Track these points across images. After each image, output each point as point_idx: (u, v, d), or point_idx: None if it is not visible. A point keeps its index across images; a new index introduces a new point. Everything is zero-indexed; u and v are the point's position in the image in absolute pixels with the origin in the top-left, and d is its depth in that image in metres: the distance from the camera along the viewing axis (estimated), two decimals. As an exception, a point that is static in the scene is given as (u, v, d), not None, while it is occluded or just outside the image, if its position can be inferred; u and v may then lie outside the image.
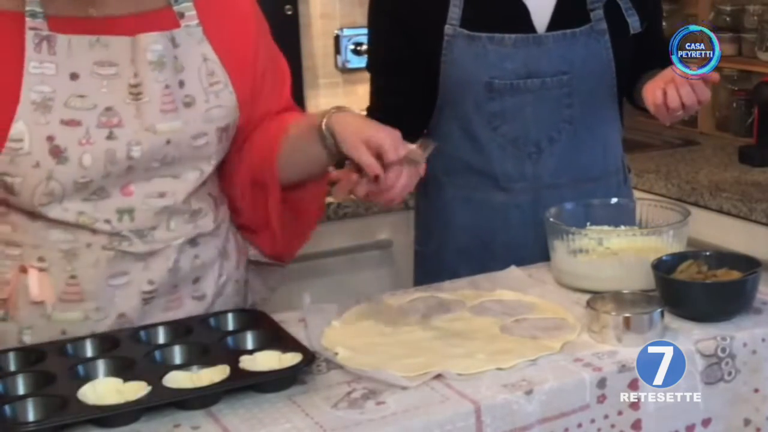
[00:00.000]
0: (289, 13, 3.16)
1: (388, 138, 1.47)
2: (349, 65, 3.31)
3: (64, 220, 1.48)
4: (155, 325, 1.49)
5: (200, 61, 1.55)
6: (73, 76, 1.46)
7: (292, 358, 1.36)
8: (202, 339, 1.44)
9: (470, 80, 1.83)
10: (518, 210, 1.86)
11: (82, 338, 1.46)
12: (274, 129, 1.65)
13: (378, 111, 1.92)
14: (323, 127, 1.54)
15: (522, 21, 1.84)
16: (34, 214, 1.48)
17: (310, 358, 1.36)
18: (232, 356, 1.37)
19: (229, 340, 1.44)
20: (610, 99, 1.93)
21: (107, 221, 1.50)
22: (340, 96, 3.34)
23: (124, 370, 1.34)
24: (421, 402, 1.29)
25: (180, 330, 1.48)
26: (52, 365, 1.37)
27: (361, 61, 3.33)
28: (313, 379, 1.36)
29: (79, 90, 1.46)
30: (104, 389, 1.28)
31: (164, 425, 1.24)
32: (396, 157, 1.45)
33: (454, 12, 1.82)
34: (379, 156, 1.46)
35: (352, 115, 1.57)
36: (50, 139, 1.43)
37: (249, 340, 1.45)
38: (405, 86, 1.91)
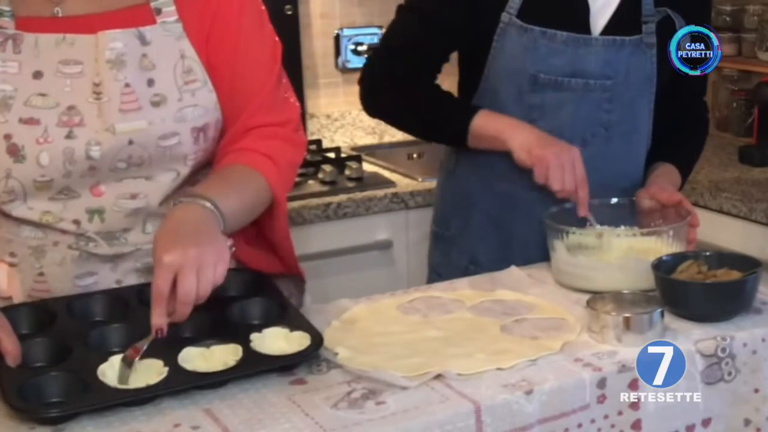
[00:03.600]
0: (289, 13, 3.16)
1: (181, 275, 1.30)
2: (349, 65, 3.32)
3: (28, 219, 1.48)
4: None
5: (177, 58, 1.51)
6: (37, 75, 1.45)
7: (300, 338, 1.39)
8: (209, 304, 1.40)
9: (516, 71, 1.84)
10: (542, 206, 1.84)
11: (90, 295, 1.49)
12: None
13: (392, 48, 1.95)
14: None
15: (580, 20, 1.85)
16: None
17: (318, 340, 1.38)
18: (242, 332, 1.39)
19: (236, 308, 1.47)
20: (647, 113, 1.93)
21: (75, 221, 1.49)
22: (340, 96, 3.35)
23: (136, 342, 1.35)
24: (421, 402, 1.29)
25: None
26: (65, 330, 1.39)
27: (361, 61, 3.33)
28: (313, 379, 1.36)
29: (42, 89, 1.45)
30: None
31: (164, 425, 1.24)
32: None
33: (515, 1, 1.82)
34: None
35: (186, 216, 1.37)
36: (7, 137, 1.44)
37: (255, 311, 1.48)
38: (432, 40, 1.91)
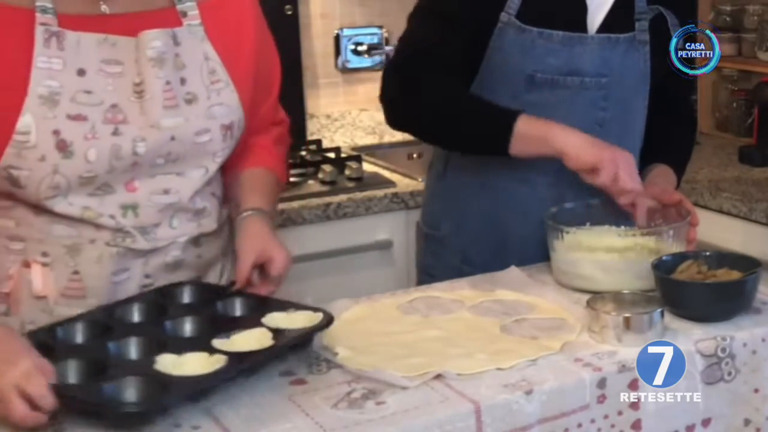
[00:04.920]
0: (289, 13, 3.16)
1: (281, 255, 1.55)
2: (349, 65, 3.32)
3: (69, 215, 1.49)
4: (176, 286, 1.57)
5: (202, 59, 1.57)
6: (80, 72, 1.47)
7: (309, 317, 1.45)
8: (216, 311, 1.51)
9: (512, 70, 1.84)
10: (538, 205, 1.84)
11: (129, 302, 1.50)
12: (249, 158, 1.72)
13: (412, 54, 1.88)
14: (235, 223, 1.63)
15: (577, 19, 1.85)
16: (38, 209, 1.50)
17: (329, 316, 1.45)
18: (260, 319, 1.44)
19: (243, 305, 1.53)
20: (641, 110, 1.93)
21: (111, 216, 1.51)
22: (340, 96, 3.34)
23: (193, 344, 1.38)
24: (421, 402, 1.29)
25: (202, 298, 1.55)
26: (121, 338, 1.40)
27: (361, 61, 3.34)
28: (313, 379, 1.36)
29: (86, 86, 1.48)
30: (190, 366, 1.31)
31: (164, 425, 1.24)
32: (277, 274, 1.55)
33: (514, 1, 1.82)
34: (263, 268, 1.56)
35: (260, 225, 1.60)
36: (56, 133, 1.45)
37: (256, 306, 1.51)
38: (442, 35, 1.86)
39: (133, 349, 1.37)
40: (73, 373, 1.30)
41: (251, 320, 1.44)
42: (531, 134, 1.76)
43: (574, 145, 1.73)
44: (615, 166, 1.72)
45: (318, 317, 1.45)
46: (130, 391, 1.25)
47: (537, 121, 1.78)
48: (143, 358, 1.34)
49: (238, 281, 1.54)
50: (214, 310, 1.49)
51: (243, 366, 1.33)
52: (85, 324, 1.42)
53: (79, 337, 1.41)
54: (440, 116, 1.85)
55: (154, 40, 1.51)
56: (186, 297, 1.54)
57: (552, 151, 1.75)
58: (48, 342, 1.35)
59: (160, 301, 1.50)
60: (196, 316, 1.46)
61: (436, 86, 1.84)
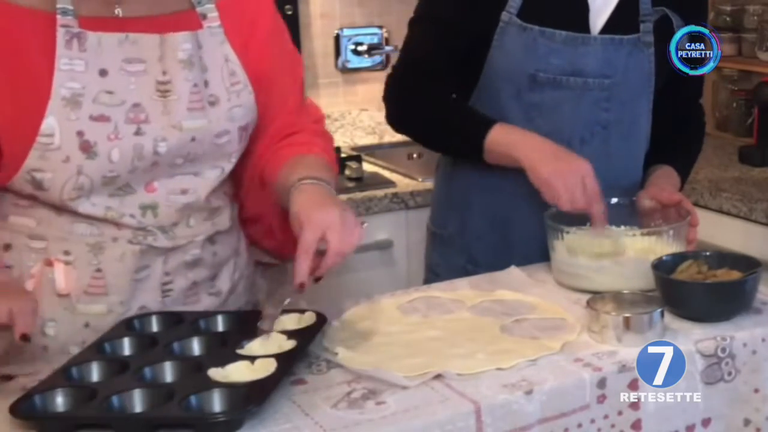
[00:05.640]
0: (289, 13, 3.16)
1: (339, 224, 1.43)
2: (349, 65, 3.32)
3: (92, 215, 1.51)
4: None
5: (222, 61, 1.58)
6: (102, 73, 1.48)
7: (309, 317, 1.48)
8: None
9: (515, 70, 1.84)
10: (541, 205, 1.84)
11: (116, 336, 1.47)
12: (285, 150, 1.66)
13: (410, 60, 1.94)
14: (288, 196, 1.51)
15: (579, 19, 1.85)
16: (59, 208, 1.51)
17: (322, 318, 1.48)
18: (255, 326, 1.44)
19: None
20: (646, 112, 1.93)
21: (132, 216, 1.53)
22: (340, 96, 3.35)
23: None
24: (421, 402, 1.29)
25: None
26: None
27: (361, 61, 3.34)
28: (313, 379, 1.36)
29: (108, 86, 1.48)
30: (237, 375, 1.32)
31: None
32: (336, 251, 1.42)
33: (515, 0, 1.83)
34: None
35: (319, 191, 1.50)
36: (80, 134, 1.46)
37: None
38: (445, 47, 1.90)
39: (169, 373, 1.35)
40: (137, 400, 1.27)
41: (249, 331, 1.42)
42: (498, 149, 1.82)
43: (530, 164, 1.77)
44: (570, 193, 1.73)
45: (310, 317, 1.47)
46: (216, 402, 1.25)
47: (507, 135, 1.82)
48: (196, 375, 1.32)
49: (302, 250, 1.40)
50: (199, 328, 1.49)
51: (299, 358, 1.36)
52: (98, 363, 1.37)
53: (95, 376, 1.36)
54: (428, 124, 1.94)
55: (184, 42, 1.53)
56: (161, 324, 1.51)
57: (518, 166, 1.79)
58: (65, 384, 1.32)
59: (143, 331, 1.49)
60: (197, 336, 1.45)
61: (426, 95, 1.91)
